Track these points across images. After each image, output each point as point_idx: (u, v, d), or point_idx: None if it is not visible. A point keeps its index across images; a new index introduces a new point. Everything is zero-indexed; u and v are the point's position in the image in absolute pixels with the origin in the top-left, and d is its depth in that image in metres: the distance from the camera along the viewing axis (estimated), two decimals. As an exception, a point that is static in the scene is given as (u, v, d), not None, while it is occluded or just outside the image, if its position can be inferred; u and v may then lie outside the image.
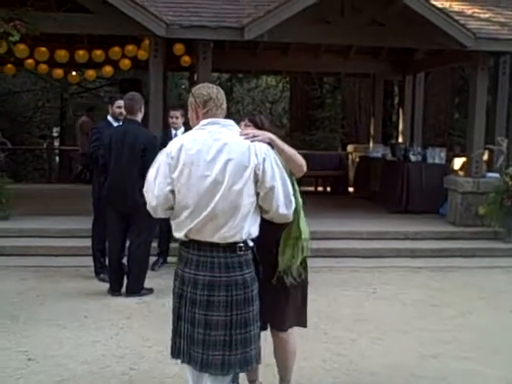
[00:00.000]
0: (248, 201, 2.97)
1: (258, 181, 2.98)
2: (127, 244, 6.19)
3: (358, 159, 13.40)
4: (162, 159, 3.05)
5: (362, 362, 4.56)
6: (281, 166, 3.08)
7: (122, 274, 6.18)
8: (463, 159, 10.09)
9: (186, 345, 3.04)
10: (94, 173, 6.69)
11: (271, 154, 3.06)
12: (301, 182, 12.88)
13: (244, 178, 2.94)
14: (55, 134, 23.83)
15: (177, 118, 7.01)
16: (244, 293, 3.01)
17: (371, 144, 13.43)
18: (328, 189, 13.55)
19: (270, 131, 3.29)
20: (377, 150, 12.46)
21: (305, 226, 3.44)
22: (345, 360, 4.59)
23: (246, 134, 3.05)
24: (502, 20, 9.31)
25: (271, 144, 3.11)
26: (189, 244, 3.05)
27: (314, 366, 4.43)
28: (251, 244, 3.06)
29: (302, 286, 3.71)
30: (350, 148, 14.70)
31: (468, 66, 11.49)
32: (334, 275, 7.21)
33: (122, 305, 5.79)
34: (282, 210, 3.05)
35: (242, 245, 3.00)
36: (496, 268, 7.79)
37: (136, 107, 6.11)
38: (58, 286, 6.49)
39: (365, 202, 11.67)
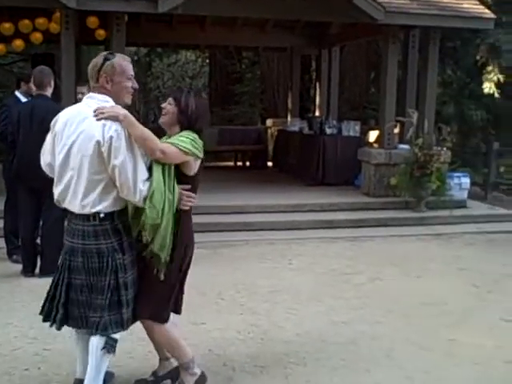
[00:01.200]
0: (93, 174, 3.13)
1: (103, 158, 3.10)
2: (40, 223, 6.07)
3: (276, 133, 13.55)
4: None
5: (276, 332, 4.68)
6: (133, 148, 3.13)
7: (35, 253, 6.05)
8: (377, 132, 10.39)
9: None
10: (4, 151, 6.49)
11: (122, 134, 3.10)
12: (220, 156, 12.84)
13: (88, 152, 3.11)
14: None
15: (83, 93, 6.79)
16: (98, 262, 3.19)
17: (289, 118, 13.59)
18: (247, 163, 13.64)
19: (195, 114, 3.37)
20: (294, 124, 12.63)
21: (151, 214, 3.17)
22: (259, 330, 4.70)
23: (96, 110, 3.12)
24: (412, -5, 9.57)
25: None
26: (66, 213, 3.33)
27: (229, 337, 4.52)
28: (102, 215, 3.18)
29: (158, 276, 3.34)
30: (268, 122, 14.82)
31: (380, 40, 11.77)
32: (251, 248, 7.31)
33: (36, 285, 5.66)
34: (127, 194, 3.14)
35: (95, 215, 3.18)
36: (407, 236, 8.11)
37: (45, 81, 5.94)
38: (-31, 268, 6.29)
39: (283, 175, 11.84)
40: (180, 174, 3.32)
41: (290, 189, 10.09)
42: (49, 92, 5.99)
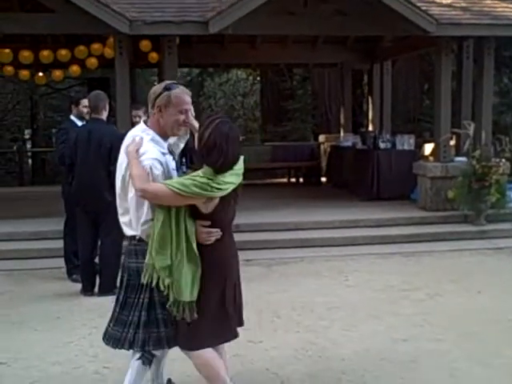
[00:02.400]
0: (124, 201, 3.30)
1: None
2: (98, 243, 6.19)
3: (329, 149, 13.48)
4: None
5: (334, 349, 4.62)
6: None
7: (93, 273, 6.17)
8: (432, 145, 10.20)
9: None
10: (63, 174, 6.67)
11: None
12: (273, 173, 12.87)
13: (119, 180, 3.30)
14: (27, 137, 23.56)
15: (139, 116, 6.54)
16: (138, 280, 3.25)
17: (342, 133, 13.51)
18: (301, 180, 13.61)
19: (207, 148, 3.11)
20: (347, 139, 12.54)
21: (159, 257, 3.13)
22: (317, 348, 4.64)
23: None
24: (464, 5, 9.42)
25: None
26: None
27: (287, 356, 4.48)
28: (138, 237, 3.27)
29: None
30: (321, 138, 14.77)
31: (433, 52, 11.60)
32: (306, 265, 7.26)
33: (95, 304, 5.78)
34: (136, 229, 3.25)
35: (134, 236, 3.29)
36: (466, 251, 7.90)
37: (101, 105, 6.10)
38: (31, 288, 6.45)
39: (337, 191, 11.75)
40: (197, 211, 3.18)
41: (344, 204, 10.00)
42: (104, 116, 6.14)
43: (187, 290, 3.13)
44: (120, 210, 3.35)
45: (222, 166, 3.11)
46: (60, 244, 6.85)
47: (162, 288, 3.14)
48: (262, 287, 6.08)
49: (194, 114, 3.36)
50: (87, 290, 6.12)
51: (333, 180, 12.79)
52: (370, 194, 10.44)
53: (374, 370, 4.21)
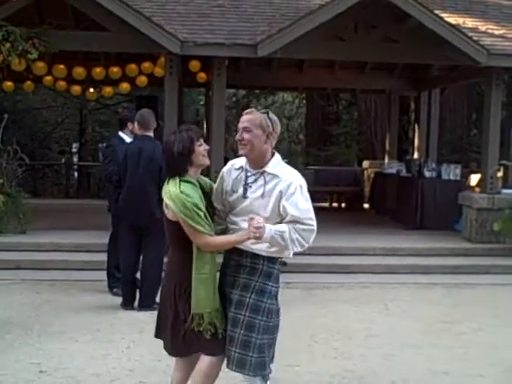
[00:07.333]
0: None
1: None
2: (140, 258, 6.27)
3: (373, 175, 13.40)
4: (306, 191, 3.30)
5: (371, 378, 4.56)
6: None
7: (134, 288, 6.23)
8: (479, 175, 10.05)
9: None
10: (109, 190, 6.78)
11: None
12: (315, 197, 12.87)
13: None
14: (74, 150, 24.10)
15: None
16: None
17: (386, 160, 13.43)
18: (343, 205, 13.54)
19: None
20: (391, 166, 12.45)
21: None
22: (354, 375, 4.58)
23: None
24: (517, 36, 9.31)
25: None
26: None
27: (323, 382, 4.44)
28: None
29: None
30: (365, 164, 14.71)
31: (483, 82, 11.48)
32: (345, 291, 7.20)
33: (134, 318, 5.84)
34: None
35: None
36: (510, 285, 7.72)
37: (151, 123, 6.22)
38: (73, 299, 6.56)
39: (380, 218, 11.65)
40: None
41: (387, 232, 9.90)
42: (152, 133, 6.25)
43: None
44: None
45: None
46: (102, 257, 6.96)
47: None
48: (300, 311, 6.05)
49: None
50: (127, 305, 6.18)
51: (375, 206, 12.69)
52: (413, 222, 10.32)
53: (412, 402, 4.14)
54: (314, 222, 3.26)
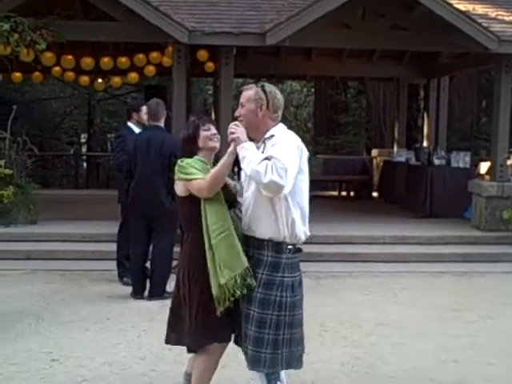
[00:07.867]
0: None
1: None
2: (150, 248, 6.29)
3: (382, 163, 13.36)
4: (295, 150, 3.21)
5: (381, 366, 4.56)
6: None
7: (144, 277, 6.26)
8: (489, 163, 10.00)
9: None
10: (119, 180, 6.80)
11: None
12: (324, 186, 12.82)
13: None
14: (83, 140, 24.16)
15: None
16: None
17: (395, 148, 13.37)
18: (352, 193, 13.51)
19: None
20: (400, 154, 12.41)
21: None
22: (364, 364, 4.60)
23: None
24: (527, 22, 9.22)
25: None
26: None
27: (333, 370, 4.45)
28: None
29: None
30: (374, 152, 14.66)
31: (493, 69, 11.38)
32: (354, 280, 7.21)
33: (144, 308, 5.87)
34: None
35: None
36: (520, 273, 7.71)
37: (160, 113, 6.22)
38: (83, 289, 6.60)
39: (389, 206, 11.63)
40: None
41: (396, 220, 9.88)
42: (162, 123, 6.26)
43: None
44: None
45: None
46: (112, 247, 6.99)
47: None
48: (309, 300, 6.01)
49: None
50: (137, 294, 6.21)
51: (384, 195, 12.66)
52: (422, 210, 10.29)
53: (422, 390, 4.14)
54: (288, 167, 3.08)
